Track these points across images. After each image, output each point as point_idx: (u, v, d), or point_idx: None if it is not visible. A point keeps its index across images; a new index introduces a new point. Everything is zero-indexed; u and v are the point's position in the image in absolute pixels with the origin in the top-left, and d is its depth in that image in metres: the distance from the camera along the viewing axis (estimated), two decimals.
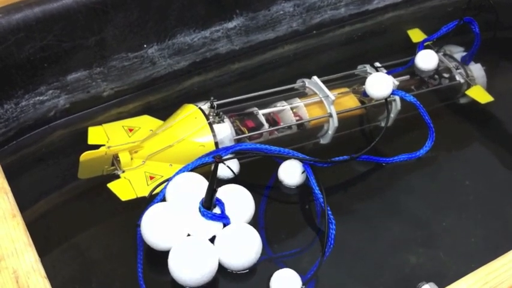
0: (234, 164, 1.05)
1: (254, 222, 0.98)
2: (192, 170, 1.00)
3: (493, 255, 0.79)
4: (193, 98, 1.15)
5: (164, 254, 0.90)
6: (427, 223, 1.04)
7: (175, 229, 0.91)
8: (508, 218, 1.07)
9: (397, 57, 1.29)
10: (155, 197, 0.99)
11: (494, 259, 0.79)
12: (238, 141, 1.06)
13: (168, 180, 0.98)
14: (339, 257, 0.96)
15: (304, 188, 1.06)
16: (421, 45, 1.28)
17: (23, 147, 1.13)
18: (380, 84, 1.08)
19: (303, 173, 1.04)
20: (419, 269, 0.97)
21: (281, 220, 1.04)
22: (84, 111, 1.20)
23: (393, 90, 1.09)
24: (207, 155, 1.02)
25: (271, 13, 1.36)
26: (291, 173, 1.05)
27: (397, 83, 1.13)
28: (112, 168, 1.05)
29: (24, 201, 0.92)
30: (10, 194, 0.81)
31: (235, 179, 1.04)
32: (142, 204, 0.98)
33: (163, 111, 1.16)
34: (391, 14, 1.51)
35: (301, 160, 1.03)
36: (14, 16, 1.04)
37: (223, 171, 1.04)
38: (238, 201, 0.97)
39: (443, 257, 0.99)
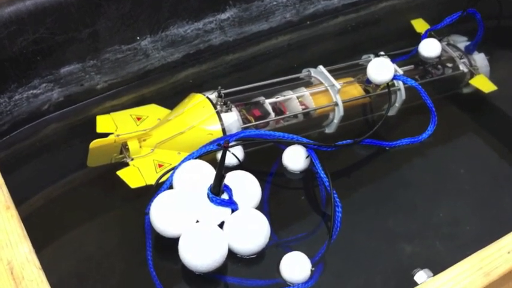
0: (239, 151, 1.05)
1: (259, 207, 0.98)
2: (197, 158, 1.00)
3: (489, 244, 0.79)
4: (188, 89, 1.15)
5: (173, 241, 0.90)
6: (423, 212, 1.05)
7: (185, 216, 0.91)
8: (503, 207, 1.08)
9: (392, 47, 1.30)
10: (162, 185, 0.98)
11: None
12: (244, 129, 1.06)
13: (175, 168, 0.98)
14: (337, 244, 0.96)
15: (307, 173, 1.06)
16: (425, 35, 1.30)
17: (17, 141, 1.12)
18: (381, 68, 1.09)
19: (307, 157, 1.04)
20: (415, 258, 0.97)
21: (286, 205, 1.04)
22: (78, 104, 1.19)
23: (395, 75, 1.10)
24: (211, 142, 1.02)
25: (265, 4, 1.36)
26: (295, 158, 1.06)
27: (401, 72, 1.14)
28: (121, 156, 1.05)
29: (21, 195, 0.92)
30: (4, 187, 0.80)
31: (240, 166, 1.04)
32: (146, 192, 0.98)
33: (158, 103, 1.16)
34: (385, 3, 1.52)
35: (305, 145, 1.03)
36: (5, 9, 1.03)
37: (228, 158, 1.03)
38: (245, 187, 0.97)
39: (439, 245, 1.00)
